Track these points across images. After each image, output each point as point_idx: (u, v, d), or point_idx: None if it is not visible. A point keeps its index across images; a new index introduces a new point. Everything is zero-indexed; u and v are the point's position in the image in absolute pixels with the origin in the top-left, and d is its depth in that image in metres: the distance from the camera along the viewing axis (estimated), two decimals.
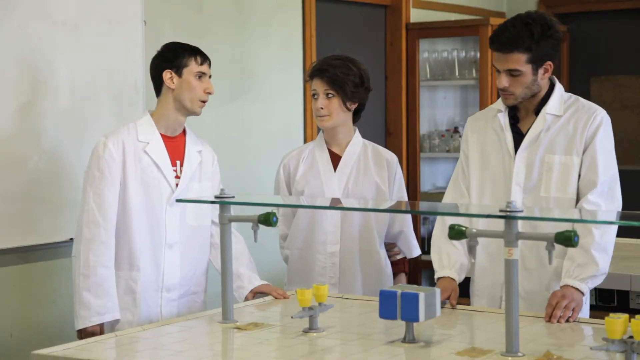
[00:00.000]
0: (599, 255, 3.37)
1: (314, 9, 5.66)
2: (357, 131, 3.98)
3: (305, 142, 5.58)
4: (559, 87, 3.58)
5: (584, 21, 7.30)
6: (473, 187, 3.63)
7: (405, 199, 4.05)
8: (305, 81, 5.52)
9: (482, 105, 6.29)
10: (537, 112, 3.54)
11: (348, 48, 5.82)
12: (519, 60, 3.41)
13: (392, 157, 4.01)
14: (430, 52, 6.64)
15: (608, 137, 3.51)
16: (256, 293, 3.64)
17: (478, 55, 6.41)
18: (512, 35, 3.40)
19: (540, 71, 3.46)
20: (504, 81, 3.45)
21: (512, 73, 3.43)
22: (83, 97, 4.26)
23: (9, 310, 4.08)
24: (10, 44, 3.99)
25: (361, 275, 3.93)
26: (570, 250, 3.36)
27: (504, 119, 3.58)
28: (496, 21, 6.39)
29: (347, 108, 3.86)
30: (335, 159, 3.94)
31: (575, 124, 3.50)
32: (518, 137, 3.56)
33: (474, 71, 6.51)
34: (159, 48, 3.64)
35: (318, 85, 3.85)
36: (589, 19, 7.27)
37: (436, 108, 6.86)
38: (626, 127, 7.11)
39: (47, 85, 4.13)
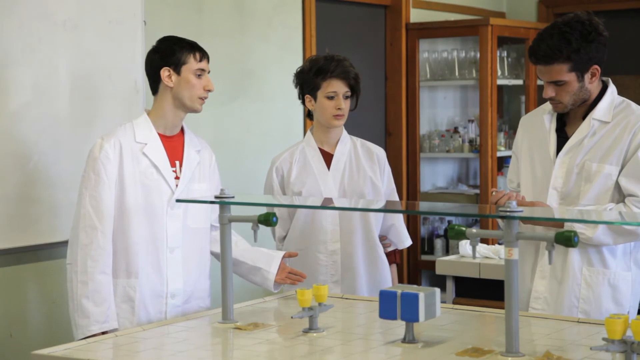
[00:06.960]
0: (603, 231, 3.29)
1: (314, 9, 5.66)
2: (343, 128, 4.02)
3: None
4: (610, 91, 3.44)
5: None
6: (522, 189, 3.55)
7: (395, 191, 4.09)
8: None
9: (482, 105, 6.30)
10: (585, 116, 3.42)
11: (348, 48, 5.83)
12: (561, 71, 3.31)
13: (380, 151, 4.05)
14: (430, 52, 6.64)
15: None
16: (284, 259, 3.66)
17: (478, 55, 6.40)
18: (549, 47, 3.29)
19: (587, 76, 3.34)
20: (549, 91, 3.35)
21: (557, 83, 3.33)
22: (83, 97, 4.26)
23: (9, 311, 4.07)
24: (10, 44, 3.99)
25: (363, 270, 3.95)
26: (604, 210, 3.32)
27: (550, 121, 3.49)
28: (496, 21, 6.39)
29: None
30: (327, 157, 3.97)
31: (621, 130, 3.37)
32: (563, 141, 3.45)
33: (474, 71, 6.51)
34: None
35: (339, 86, 3.88)
36: None
37: (436, 108, 6.85)
38: None
39: (47, 85, 4.12)
